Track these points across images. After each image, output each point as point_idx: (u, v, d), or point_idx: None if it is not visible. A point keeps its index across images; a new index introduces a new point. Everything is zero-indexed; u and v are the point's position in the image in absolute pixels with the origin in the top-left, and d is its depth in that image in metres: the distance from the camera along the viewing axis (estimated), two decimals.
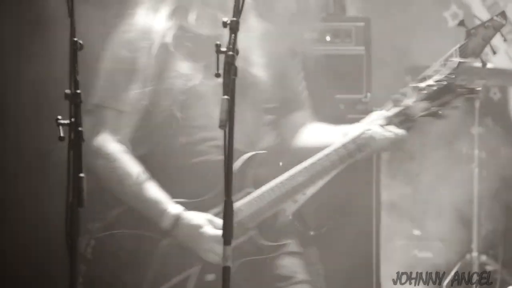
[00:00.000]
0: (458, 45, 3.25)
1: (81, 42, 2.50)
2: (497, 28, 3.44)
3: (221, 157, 3.19)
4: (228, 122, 2.65)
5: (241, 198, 3.32)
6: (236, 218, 3.18)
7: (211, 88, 3.34)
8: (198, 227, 3.26)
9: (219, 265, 3.07)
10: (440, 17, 5.62)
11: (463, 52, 3.34)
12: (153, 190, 3.31)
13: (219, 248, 3.10)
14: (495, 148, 5.36)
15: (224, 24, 2.76)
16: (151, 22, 3.44)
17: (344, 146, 3.26)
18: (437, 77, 3.16)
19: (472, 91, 3.14)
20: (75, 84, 2.49)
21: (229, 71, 2.72)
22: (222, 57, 2.68)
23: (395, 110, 3.24)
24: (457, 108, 3.18)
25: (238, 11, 2.78)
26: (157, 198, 3.30)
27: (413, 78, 3.77)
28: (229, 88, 2.69)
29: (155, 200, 3.30)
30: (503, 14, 3.25)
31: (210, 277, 3.27)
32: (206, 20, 3.42)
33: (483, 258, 5.15)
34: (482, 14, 5.35)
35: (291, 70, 3.54)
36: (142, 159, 3.37)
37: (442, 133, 5.18)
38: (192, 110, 3.39)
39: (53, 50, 3.68)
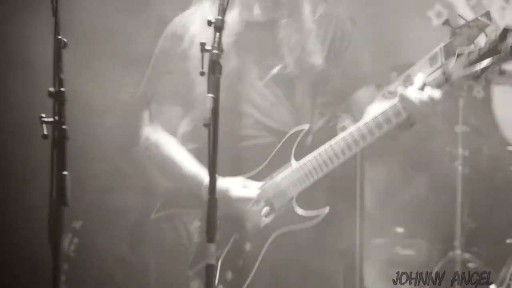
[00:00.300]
0: (442, 44, 3.25)
1: (65, 40, 2.50)
2: (482, 28, 3.44)
3: (267, 139, 3.37)
4: (212, 120, 2.65)
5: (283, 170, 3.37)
6: (278, 189, 3.34)
7: (251, 72, 3.41)
8: (225, 190, 3.31)
9: (255, 233, 3.32)
10: (425, 16, 5.64)
11: (448, 50, 3.35)
12: (191, 167, 3.39)
13: (249, 208, 3.31)
14: (478, 147, 5.38)
15: (209, 23, 2.77)
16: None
17: (382, 113, 3.26)
18: (479, 42, 3.16)
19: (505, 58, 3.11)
20: (59, 82, 2.49)
21: (214, 70, 2.72)
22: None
23: (434, 73, 3.24)
24: (504, 74, 3.15)
25: (223, 9, 2.78)
26: (194, 173, 3.37)
27: (399, 75, 3.78)
28: (214, 86, 2.69)
29: (193, 175, 3.37)
30: (487, 14, 3.26)
31: (247, 246, 3.34)
32: (264, 9, 3.45)
33: (466, 255, 5.17)
34: (466, 13, 5.37)
35: (352, 45, 3.52)
36: (196, 150, 3.44)
37: (426, 132, 5.21)
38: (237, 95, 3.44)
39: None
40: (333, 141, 3.31)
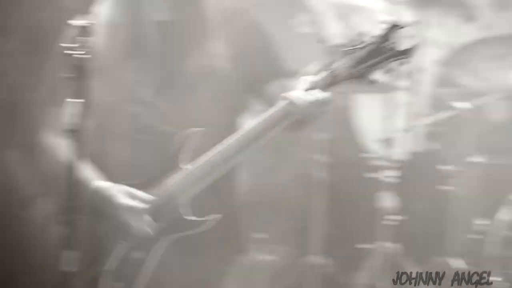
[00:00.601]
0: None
1: None
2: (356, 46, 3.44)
3: (160, 143, 3.27)
4: (79, 126, 2.62)
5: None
6: (168, 195, 3.25)
7: (147, 74, 3.35)
8: (112, 197, 3.23)
9: (143, 241, 3.23)
10: (293, 23, 5.70)
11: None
12: (82, 172, 3.20)
13: (133, 218, 3.21)
14: (336, 153, 5.47)
15: (77, 27, 2.73)
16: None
17: (272, 115, 3.21)
18: (366, 40, 3.12)
19: (402, 53, 3.09)
20: None
21: (80, 74, 2.69)
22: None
23: (322, 74, 3.19)
24: (392, 71, 3.12)
25: (92, 13, 2.76)
26: (85, 178, 3.24)
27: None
28: (80, 91, 2.66)
29: (82, 179, 3.20)
30: (385, 36, 3.26)
31: (137, 255, 3.27)
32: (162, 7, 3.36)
33: (321, 260, 5.23)
34: (333, 24, 5.47)
35: (261, 39, 3.44)
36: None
37: (283, 138, 5.25)
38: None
39: None
40: (226, 143, 3.26)
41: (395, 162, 4.99)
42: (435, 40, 5.40)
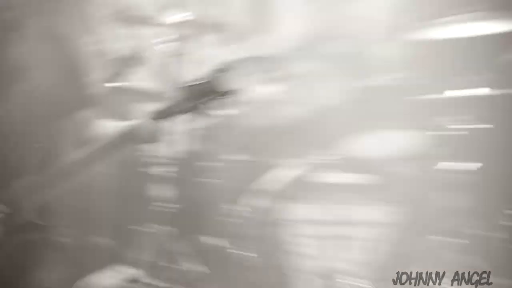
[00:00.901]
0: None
1: None
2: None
3: None
4: None
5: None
6: (15, 200, 3.28)
7: None
8: None
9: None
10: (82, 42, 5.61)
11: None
12: None
13: None
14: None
15: None
16: None
17: (109, 140, 3.31)
18: (196, 79, 3.31)
19: (222, 94, 3.34)
20: None
21: None
22: None
23: (160, 105, 3.34)
24: (213, 109, 3.34)
25: None
26: None
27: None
28: None
29: None
30: (208, 77, 3.39)
31: None
32: None
33: (103, 240, 5.26)
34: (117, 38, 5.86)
35: (76, 65, 3.46)
36: None
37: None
38: None
39: None
40: (71, 158, 3.32)
41: (167, 159, 5.36)
42: (200, 57, 5.65)
